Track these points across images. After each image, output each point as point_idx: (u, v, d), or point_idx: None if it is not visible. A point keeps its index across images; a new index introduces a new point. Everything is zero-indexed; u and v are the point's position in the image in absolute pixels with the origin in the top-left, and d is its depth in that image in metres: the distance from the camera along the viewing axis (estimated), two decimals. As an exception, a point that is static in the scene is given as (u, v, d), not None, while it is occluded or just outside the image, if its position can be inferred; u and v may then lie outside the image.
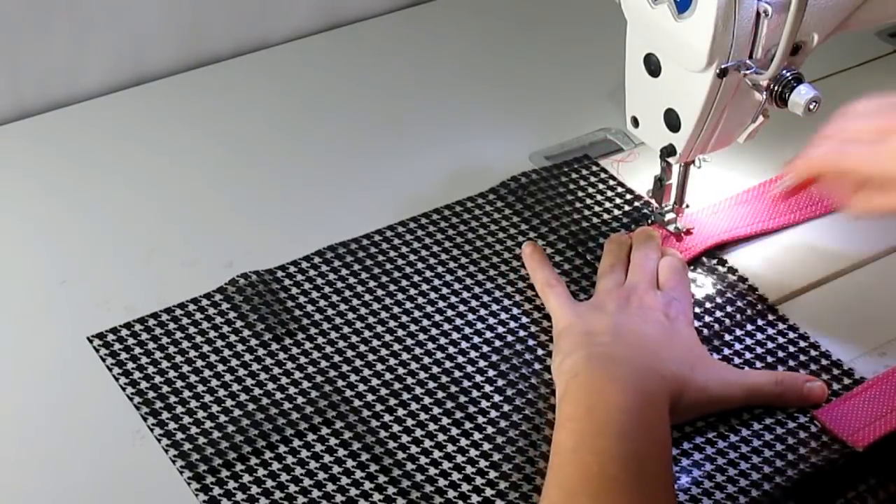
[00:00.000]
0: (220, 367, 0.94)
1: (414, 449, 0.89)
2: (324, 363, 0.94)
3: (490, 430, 0.90)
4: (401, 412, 0.91)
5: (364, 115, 1.20)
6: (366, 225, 1.06)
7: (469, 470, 0.88)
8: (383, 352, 0.96)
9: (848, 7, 0.94)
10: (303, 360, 0.95)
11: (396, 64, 1.27)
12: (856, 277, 1.04)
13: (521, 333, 0.97)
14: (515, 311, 0.99)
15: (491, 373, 0.94)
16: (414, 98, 1.22)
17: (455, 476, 0.87)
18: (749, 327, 0.98)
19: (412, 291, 1.01)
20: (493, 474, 0.88)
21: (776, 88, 0.93)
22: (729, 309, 0.99)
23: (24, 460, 0.88)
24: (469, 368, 0.95)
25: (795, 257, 1.05)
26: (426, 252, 1.04)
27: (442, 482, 0.87)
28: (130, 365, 0.94)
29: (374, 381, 0.93)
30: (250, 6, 1.27)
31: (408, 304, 0.99)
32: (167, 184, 1.11)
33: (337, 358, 0.95)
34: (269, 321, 0.97)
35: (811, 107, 0.92)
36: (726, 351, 0.96)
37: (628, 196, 1.10)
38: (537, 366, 0.95)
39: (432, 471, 0.88)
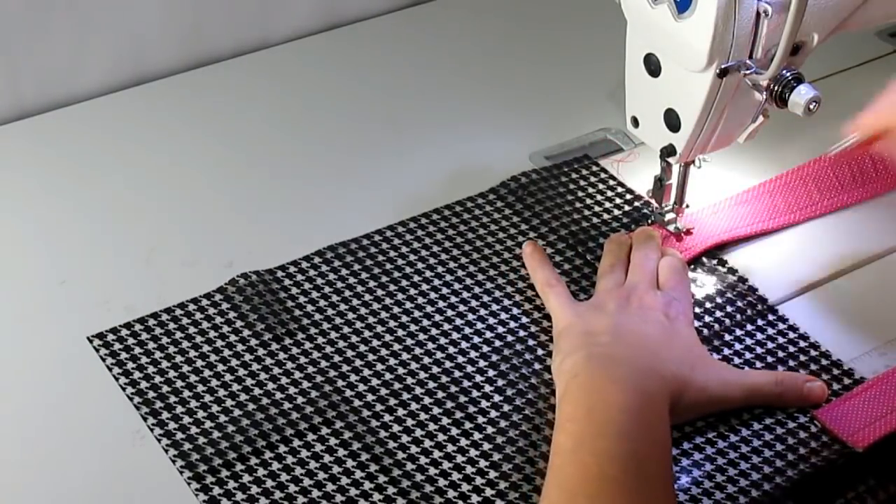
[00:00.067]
0: (220, 367, 0.94)
1: (414, 449, 0.89)
2: (324, 363, 0.95)
3: (490, 430, 0.90)
4: (401, 412, 0.91)
5: (364, 115, 1.20)
6: (366, 225, 1.06)
7: (469, 470, 0.88)
8: (383, 352, 0.96)
9: (848, 7, 0.94)
10: (303, 360, 0.95)
11: (396, 64, 1.27)
12: (856, 277, 1.04)
13: (521, 333, 0.97)
14: (515, 311, 0.99)
15: (491, 373, 0.94)
16: (414, 98, 1.22)
17: (455, 476, 0.87)
18: (749, 327, 0.98)
19: (412, 291, 1.01)
20: (493, 474, 0.88)
21: (776, 88, 0.93)
22: (729, 309, 0.99)
23: (24, 460, 0.88)
24: (469, 368, 0.95)
25: (795, 257, 1.05)
26: (426, 252, 1.04)
27: (442, 482, 0.87)
28: (130, 365, 0.94)
29: (374, 381, 0.93)
30: (250, 6, 1.27)
31: (408, 304, 0.99)
32: (167, 184, 1.11)
33: (337, 358, 0.95)
34: (269, 321, 0.97)
35: (811, 107, 0.92)
36: (726, 351, 0.96)
37: (628, 196, 1.10)
38: (537, 366, 0.95)
39: (432, 471, 0.88)
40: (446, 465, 0.88)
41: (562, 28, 1.32)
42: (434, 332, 0.97)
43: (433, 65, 1.27)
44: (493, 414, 0.91)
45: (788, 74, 0.93)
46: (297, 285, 1.00)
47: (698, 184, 1.05)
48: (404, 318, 0.98)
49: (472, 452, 0.89)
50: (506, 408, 0.92)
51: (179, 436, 0.89)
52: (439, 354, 0.96)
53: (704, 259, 1.04)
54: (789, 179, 1.10)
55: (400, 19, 1.33)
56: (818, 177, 1.10)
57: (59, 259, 1.03)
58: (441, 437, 0.90)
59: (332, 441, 0.89)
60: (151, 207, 1.09)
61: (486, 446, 0.89)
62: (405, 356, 0.95)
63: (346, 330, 0.97)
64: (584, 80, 1.23)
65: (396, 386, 0.93)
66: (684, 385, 0.89)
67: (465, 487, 0.87)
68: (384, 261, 1.03)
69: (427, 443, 0.89)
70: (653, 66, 0.98)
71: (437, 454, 0.89)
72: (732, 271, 1.03)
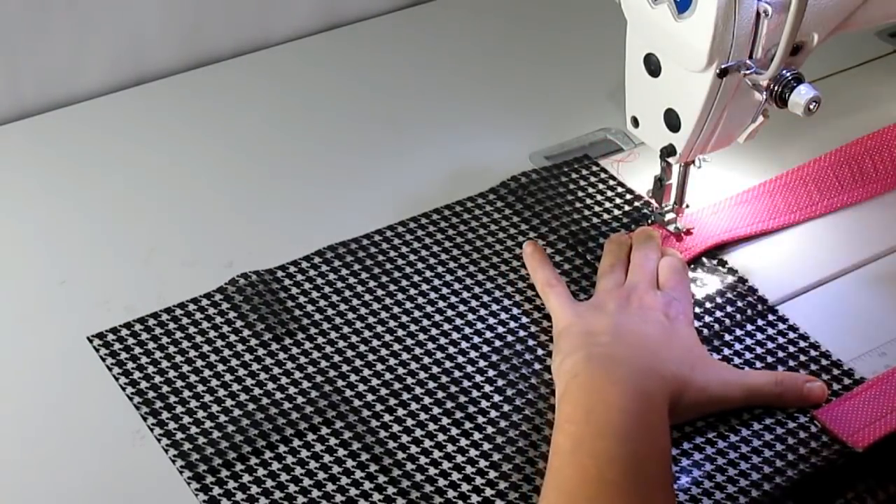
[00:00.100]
0: (220, 367, 0.94)
1: (414, 449, 0.89)
2: (324, 363, 0.95)
3: (490, 430, 0.90)
4: (401, 412, 0.91)
5: (364, 115, 1.20)
6: (366, 225, 1.06)
7: (469, 470, 0.88)
8: (383, 352, 0.96)
9: (848, 7, 0.94)
10: (303, 360, 0.95)
11: (396, 64, 1.27)
12: (856, 277, 1.04)
13: (521, 333, 0.97)
14: (515, 311, 0.99)
15: (491, 373, 0.94)
16: (414, 98, 1.22)
17: (455, 476, 0.87)
18: (749, 327, 0.98)
19: (412, 291, 1.01)
20: (492, 474, 0.88)
21: (776, 88, 0.93)
22: (729, 309, 0.99)
23: (24, 460, 0.88)
24: (469, 368, 0.95)
25: (795, 257, 1.05)
26: (426, 252, 1.04)
27: (442, 482, 0.87)
28: (130, 365, 0.94)
29: (374, 381, 0.93)
30: (250, 6, 1.27)
31: (408, 304, 0.99)
32: (167, 184, 1.11)
33: (337, 358, 0.95)
34: (269, 321, 0.97)
35: (811, 107, 0.92)
36: (726, 351, 0.96)
37: (628, 196, 1.10)
38: (537, 366, 0.95)
39: (432, 471, 0.88)
40: (446, 465, 0.88)
41: (562, 28, 1.32)
42: (434, 332, 0.97)
43: (433, 65, 1.27)
44: (493, 414, 0.91)
45: (788, 74, 0.93)
46: (297, 285, 1.00)
47: (698, 184, 1.05)
48: (404, 318, 0.98)
49: (472, 452, 0.89)
50: (506, 408, 0.92)
51: (179, 436, 0.89)
52: (439, 354, 0.96)
53: (704, 259, 1.04)
54: (789, 179, 1.10)
55: (400, 19, 1.33)
56: (818, 177, 1.10)
57: (59, 259, 1.03)
58: (441, 437, 0.90)
59: (332, 441, 0.89)
60: (151, 207, 1.09)
61: (486, 446, 0.89)
62: (405, 356, 0.95)
63: (346, 330, 0.97)
64: (584, 80, 1.23)
65: (396, 386, 0.93)
66: (684, 385, 0.89)
67: (464, 487, 0.87)
68: (384, 261, 1.03)
69: (427, 443, 0.89)
70: (653, 66, 0.98)
71: (436, 454, 0.89)
72: (732, 271, 1.03)
